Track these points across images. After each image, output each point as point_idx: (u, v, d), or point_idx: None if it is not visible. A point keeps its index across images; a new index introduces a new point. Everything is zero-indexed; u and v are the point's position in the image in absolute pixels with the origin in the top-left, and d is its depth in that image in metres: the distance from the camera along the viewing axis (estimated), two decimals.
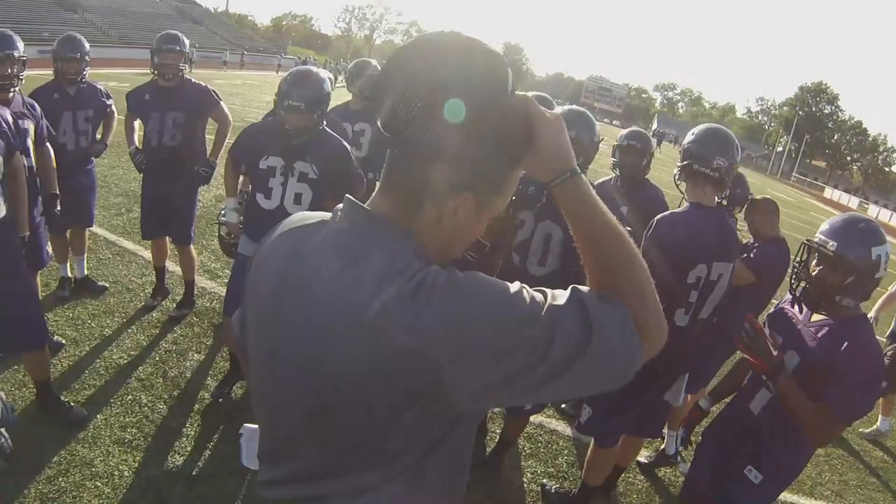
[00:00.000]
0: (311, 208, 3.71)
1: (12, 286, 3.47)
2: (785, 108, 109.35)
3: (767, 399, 2.73)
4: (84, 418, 3.77)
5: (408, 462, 1.11)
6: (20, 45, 4.15)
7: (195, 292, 5.55)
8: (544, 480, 4.12)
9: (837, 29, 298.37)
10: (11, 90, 3.98)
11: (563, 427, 4.86)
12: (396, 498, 1.12)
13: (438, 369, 0.99)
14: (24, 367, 3.93)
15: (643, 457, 4.63)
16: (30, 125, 3.90)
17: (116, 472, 3.42)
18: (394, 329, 0.98)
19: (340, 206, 1.18)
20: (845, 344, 2.50)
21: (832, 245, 2.55)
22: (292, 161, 3.73)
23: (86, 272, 5.47)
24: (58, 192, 4.05)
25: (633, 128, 5.10)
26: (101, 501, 3.22)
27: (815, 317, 2.72)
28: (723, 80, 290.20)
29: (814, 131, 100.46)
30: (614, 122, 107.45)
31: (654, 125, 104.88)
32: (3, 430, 1.72)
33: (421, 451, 1.11)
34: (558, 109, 3.07)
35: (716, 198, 3.29)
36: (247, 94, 26.55)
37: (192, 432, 3.86)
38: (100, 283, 5.49)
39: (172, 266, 5.81)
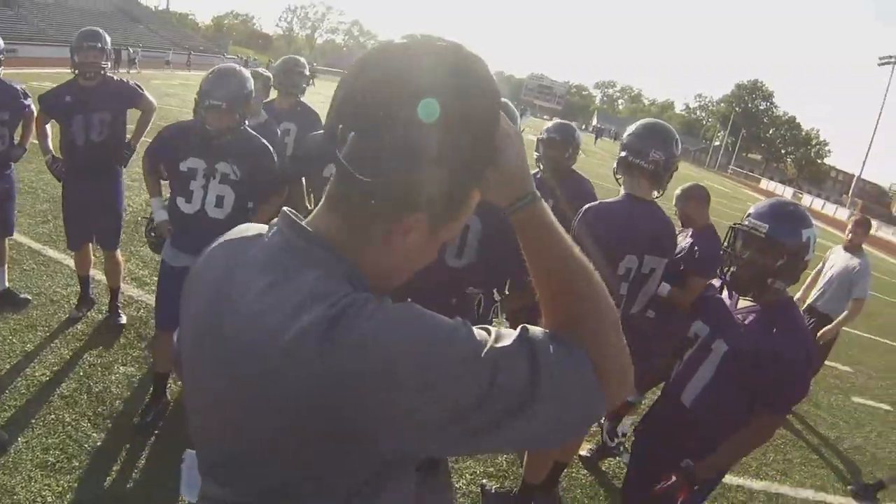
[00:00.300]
0: (234, 211, 3.61)
1: None
2: (722, 104, 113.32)
3: (699, 390, 2.72)
4: (4, 442, 3.53)
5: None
6: None
7: (121, 301, 5.34)
8: (483, 481, 4.06)
9: (773, 29, 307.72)
10: None
11: None
12: None
13: (353, 409, 0.87)
14: None
15: (585, 450, 4.62)
16: None
17: (39, 499, 3.22)
18: (305, 359, 0.87)
19: (276, 219, 1.07)
20: (774, 330, 2.54)
21: (763, 227, 2.55)
22: (214, 162, 3.59)
23: (7, 284, 5.18)
24: None
25: (556, 121, 5.10)
26: None
27: (742, 303, 2.74)
28: (662, 77, 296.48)
29: (750, 126, 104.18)
30: (554, 118, 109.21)
31: (594, 122, 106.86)
32: None
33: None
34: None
35: (653, 192, 3.28)
36: (184, 95, 25.89)
37: (120, 452, 3.67)
38: (22, 296, 5.19)
39: (99, 275, 5.55)
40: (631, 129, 3.35)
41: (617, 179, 3.36)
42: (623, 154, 3.25)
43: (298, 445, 0.94)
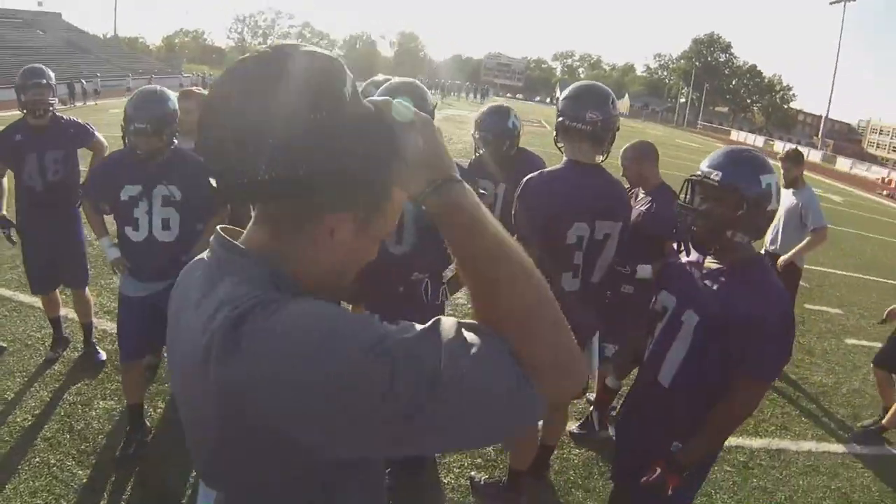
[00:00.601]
0: (182, 233, 3.64)
1: None
2: (682, 61, 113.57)
3: (676, 368, 2.56)
4: None
5: None
6: None
7: (95, 337, 5.38)
8: (472, 473, 4.01)
9: None
10: None
11: None
12: None
13: (263, 410, 0.89)
14: None
15: (575, 427, 4.52)
16: None
17: None
18: (215, 362, 0.90)
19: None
20: (745, 291, 2.39)
21: (716, 175, 2.39)
22: (151, 186, 3.63)
23: None
24: None
25: (493, 103, 5.00)
26: None
27: (709, 264, 2.57)
28: (619, 41, 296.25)
29: (712, 80, 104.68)
30: (517, 95, 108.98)
31: (557, 93, 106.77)
32: None
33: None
34: (390, 83, 3.01)
35: (597, 157, 3.19)
36: None
37: (106, 486, 3.73)
38: None
39: (72, 313, 5.56)
40: (565, 92, 3.28)
41: (559, 148, 3.27)
42: (560, 119, 3.17)
43: (233, 453, 1.00)
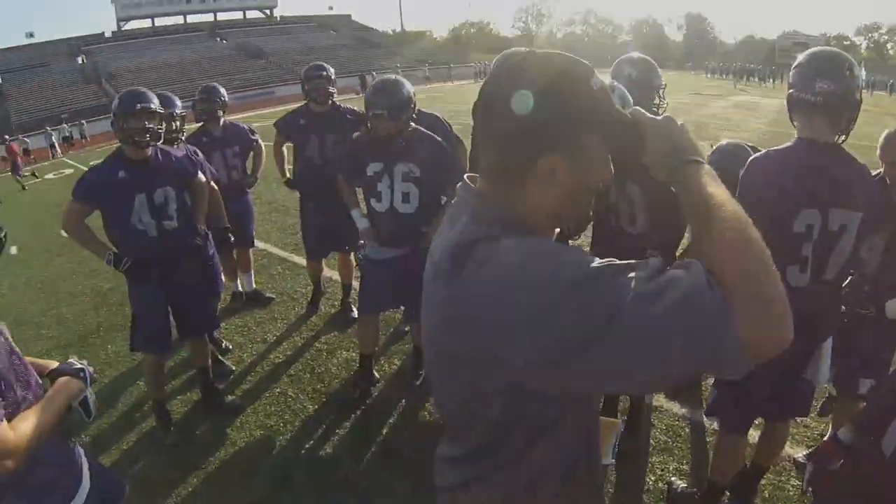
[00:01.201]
0: (422, 206, 3.87)
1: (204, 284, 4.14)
2: None
3: None
4: (237, 407, 4.24)
5: (509, 453, 1.19)
6: (178, 102, 4.51)
7: (352, 297, 5.83)
8: (672, 478, 3.62)
9: None
10: (176, 142, 4.33)
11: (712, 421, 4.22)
12: (508, 488, 1.22)
13: (478, 330, 1.03)
14: (190, 355, 4.43)
15: (800, 454, 3.76)
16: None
17: (255, 452, 3.80)
18: (442, 278, 1.11)
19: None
20: None
21: None
22: (392, 164, 3.88)
23: (254, 286, 6.05)
24: (228, 226, 4.50)
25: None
26: (237, 476, 3.59)
27: None
28: None
29: None
30: None
31: (863, 73, 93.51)
32: (89, 392, 1.96)
33: (515, 441, 1.18)
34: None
35: (835, 135, 2.70)
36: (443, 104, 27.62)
37: (326, 421, 4.12)
38: (267, 295, 6.07)
39: (336, 276, 6.15)
40: (797, 60, 2.83)
41: (794, 124, 2.81)
42: (790, 91, 2.75)
43: (452, 376, 1.18)
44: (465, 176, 1.28)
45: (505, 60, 1.17)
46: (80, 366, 1.95)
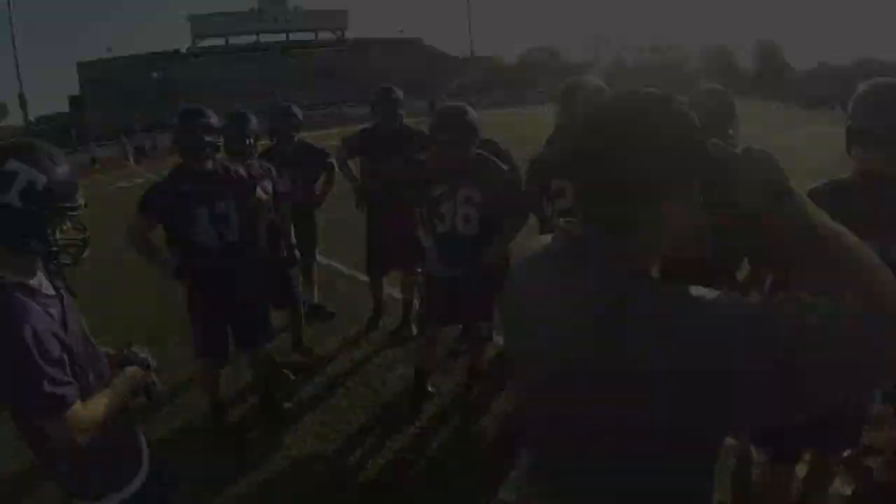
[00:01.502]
0: (482, 229, 3.93)
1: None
2: None
3: None
4: (292, 414, 4.38)
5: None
6: (253, 118, 4.77)
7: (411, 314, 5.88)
8: None
9: None
10: (248, 157, 4.57)
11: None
12: None
13: (661, 400, 1.05)
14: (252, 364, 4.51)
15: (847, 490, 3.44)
16: (267, 183, 4.48)
17: (308, 456, 3.93)
18: (608, 349, 1.09)
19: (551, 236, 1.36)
20: None
21: None
22: (455, 187, 3.95)
23: (316, 300, 6.19)
24: (294, 243, 4.69)
25: None
26: (286, 479, 3.73)
27: None
28: None
29: None
30: None
31: None
32: (154, 378, 2.13)
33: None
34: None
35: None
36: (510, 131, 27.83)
37: (377, 432, 4.18)
38: (329, 310, 6.18)
39: (397, 293, 6.20)
40: (857, 90, 2.67)
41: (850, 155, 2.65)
42: (849, 122, 2.64)
43: (623, 442, 1.15)
44: (562, 223, 1.27)
45: (616, 103, 1.22)
46: (143, 356, 2.13)
